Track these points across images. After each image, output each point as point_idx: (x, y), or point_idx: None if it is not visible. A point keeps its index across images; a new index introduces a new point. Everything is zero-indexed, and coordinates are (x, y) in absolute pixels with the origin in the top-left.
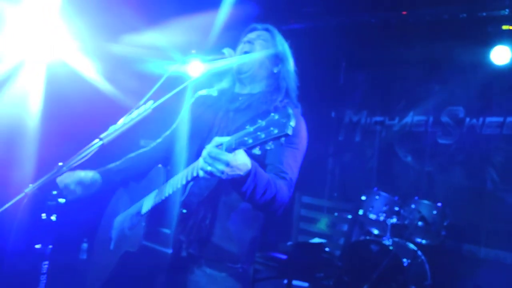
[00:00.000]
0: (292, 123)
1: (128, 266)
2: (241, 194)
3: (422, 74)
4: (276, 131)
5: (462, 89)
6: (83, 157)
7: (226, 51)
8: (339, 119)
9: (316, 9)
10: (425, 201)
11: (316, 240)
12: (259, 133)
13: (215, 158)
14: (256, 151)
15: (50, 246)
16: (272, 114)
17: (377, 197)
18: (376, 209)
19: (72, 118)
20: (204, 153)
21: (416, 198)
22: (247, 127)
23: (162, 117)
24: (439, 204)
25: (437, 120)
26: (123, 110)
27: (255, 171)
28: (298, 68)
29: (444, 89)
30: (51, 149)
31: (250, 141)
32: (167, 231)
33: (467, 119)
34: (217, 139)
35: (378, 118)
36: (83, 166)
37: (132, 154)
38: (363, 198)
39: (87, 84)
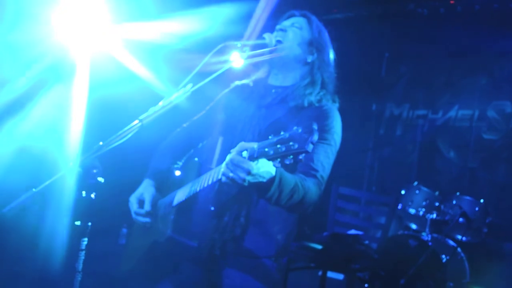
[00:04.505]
0: (315, 137)
1: (156, 255)
2: (267, 199)
3: (468, 66)
4: (296, 146)
5: (510, 83)
6: (122, 137)
7: (267, 36)
8: (380, 112)
9: None
10: (467, 197)
11: (353, 231)
12: (279, 145)
13: (237, 166)
14: (276, 163)
15: (90, 223)
16: (295, 127)
17: (417, 191)
18: (416, 203)
19: (115, 108)
20: (227, 159)
21: (457, 193)
22: (270, 137)
23: (197, 107)
24: (481, 200)
25: (483, 114)
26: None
27: (280, 178)
28: (339, 58)
29: (491, 83)
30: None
31: (271, 152)
32: (194, 226)
33: None
34: (242, 145)
35: (420, 112)
36: (122, 145)
37: (166, 142)
38: (403, 192)
39: (130, 75)
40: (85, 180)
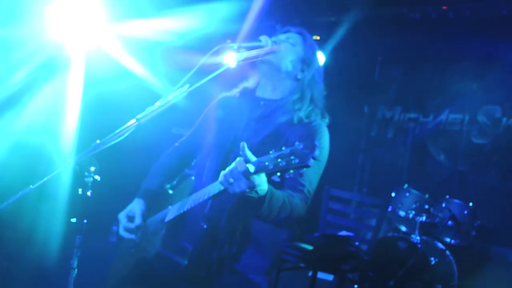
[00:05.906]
0: (317, 153)
1: (143, 272)
2: (257, 217)
3: (459, 71)
4: (297, 160)
5: (500, 88)
6: (119, 136)
7: (263, 38)
8: (371, 114)
9: (354, 2)
10: (456, 200)
11: (344, 233)
12: (279, 160)
13: (235, 178)
14: (276, 177)
15: (85, 221)
16: (297, 143)
17: (407, 194)
18: (406, 206)
19: (111, 105)
20: (226, 170)
21: (447, 196)
22: (271, 152)
23: (192, 106)
24: (470, 204)
25: (473, 119)
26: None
27: (271, 196)
28: (332, 60)
29: (482, 88)
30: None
31: (271, 166)
32: (185, 243)
33: (504, 119)
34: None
35: (412, 115)
36: (119, 144)
37: (159, 163)
38: (393, 194)
39: (126, 72)
40: (82, 178)
